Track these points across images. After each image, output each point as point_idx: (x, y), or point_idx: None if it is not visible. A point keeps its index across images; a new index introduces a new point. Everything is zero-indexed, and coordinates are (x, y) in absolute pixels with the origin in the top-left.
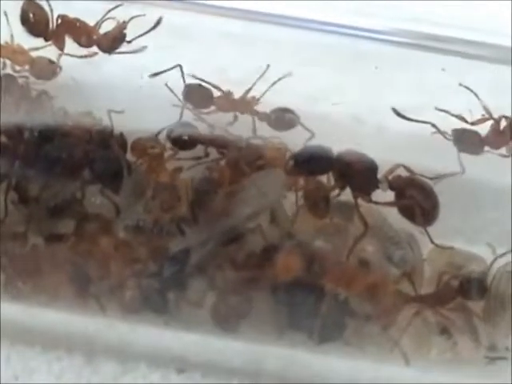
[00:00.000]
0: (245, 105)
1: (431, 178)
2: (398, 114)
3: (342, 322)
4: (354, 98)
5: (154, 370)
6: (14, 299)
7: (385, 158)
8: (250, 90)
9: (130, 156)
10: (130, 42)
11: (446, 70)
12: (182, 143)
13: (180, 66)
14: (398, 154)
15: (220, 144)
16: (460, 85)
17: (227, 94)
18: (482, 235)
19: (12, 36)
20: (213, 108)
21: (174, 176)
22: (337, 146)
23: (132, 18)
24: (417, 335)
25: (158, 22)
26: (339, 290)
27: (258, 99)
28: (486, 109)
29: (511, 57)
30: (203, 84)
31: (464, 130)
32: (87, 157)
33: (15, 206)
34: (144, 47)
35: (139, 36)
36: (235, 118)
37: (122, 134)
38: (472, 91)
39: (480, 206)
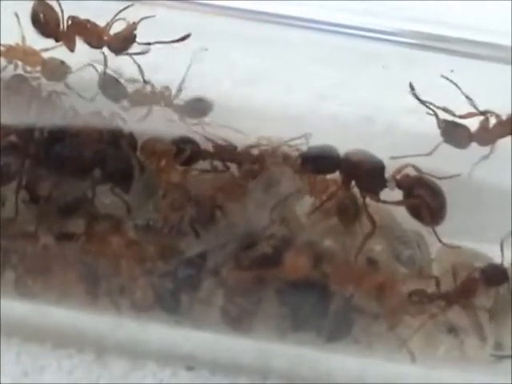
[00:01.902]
0: (158, 97)
1: (439, 178)
2: (415, 96)
3: (350, 321)
4: (363, 98)
5: (164, 368)
6: (24, 297)
7: (394, 157)
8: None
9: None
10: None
11: (454, 71)
12: (183, 160)
13: (92, 64)
14: (406, 153)
15: (224, 157)
16: (442, 76)
17: (140, 88)
18: (489, 234)
19: (23, 37)
20: (127, 103)
21: (185, 176)
22: (346, 146)
23: (142, 18)
24: (425, 334)
25: (185, 37)
26: (347, 290)
27: (178, 92)
28: (474, 106)
29: None
30: (119, 79)
31: (453, 123)
32: (97, 156)
33: (26, 204)
34: (147, 51)
35: (162, 43)
36: (149, 111)
37: (131, 134)
38: (457, 86)
39: (487, 205)
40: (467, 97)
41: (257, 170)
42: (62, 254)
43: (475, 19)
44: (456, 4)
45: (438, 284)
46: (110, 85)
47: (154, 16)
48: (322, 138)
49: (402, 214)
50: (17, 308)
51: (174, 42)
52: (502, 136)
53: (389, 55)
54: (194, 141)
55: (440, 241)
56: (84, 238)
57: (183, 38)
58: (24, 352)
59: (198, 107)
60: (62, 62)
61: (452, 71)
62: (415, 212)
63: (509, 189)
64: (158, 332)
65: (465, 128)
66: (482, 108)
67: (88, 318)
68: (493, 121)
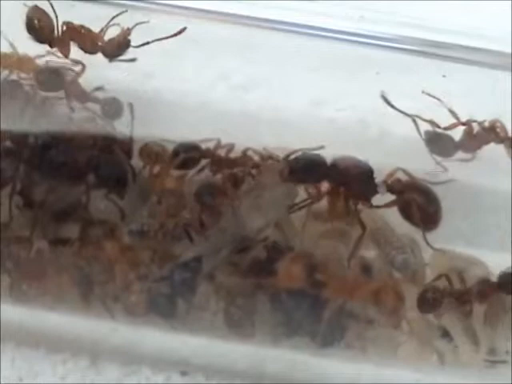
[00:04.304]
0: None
1: (432, 183)
2: (386, 101)
3: (343, 326)
4: (358, 104)
5: (158, 373)
6: (18, 302)
7: (388, 162)
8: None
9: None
10: (143, 45)
11: (446, 76)
12: (177, 165)
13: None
14: (401, 158)
15: (223, 163)
16: (423, 92)
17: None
18: (483, 239)
19: (12, 44)
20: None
21: (180, 181)
22: (341, 150)
23: (136, 24)
24: (419, 338)
25: (181, 31)
26: (342, 299)
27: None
28: (453, 113)
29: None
30: (59, 68)
31: (437, 133)
32: (92, 162)
33: (20, 210)
34: (135, 58)
35: (160, 39)
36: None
37: (127, 139)
38: (435, 97)
39: (481, 209)
40: (450, 110)
41: (240, 175)
42: (56, 259)
43: (468, 25)
44: (450, 10)
45: (449, 281)
46: (46, 75)
47: (148, 22)
48: (317, 143)
49: (395, 220)
50: (11, 313)
51: (170, 36)
52: (487, 142)
53: (383, 61)
54: (197, 147)
55: (428, 244)
56: (78, 243)
57: (179, 32)
58: (19, 357)
59: (111, 105)
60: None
61: (444, 76)
62: (407, 213)
63: (503, 193)
64: (152, 337)
65: (449, 137)
66: (473, 113)
67: (82, 323)
68: (476, 128)
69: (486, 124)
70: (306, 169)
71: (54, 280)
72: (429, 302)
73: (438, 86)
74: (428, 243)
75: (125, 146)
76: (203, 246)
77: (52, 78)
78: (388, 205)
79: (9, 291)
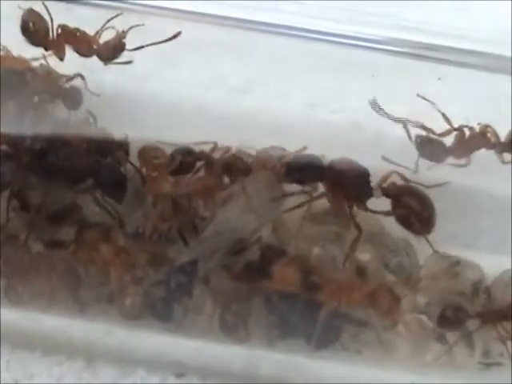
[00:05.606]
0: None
1: (427, 186)
2: (376, 107)
3: (339, 328)
4: (352, 106)
5: (153, 374)
6: (14, 304)
7: (383, 165)
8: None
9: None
10: (137, 48)
11: (442, 80)
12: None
13: None
14: (396, 161)
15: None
16: (418, 95)
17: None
18: (477, 242)
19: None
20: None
21: (176, 185)
22: (335, 153)
23: (131, 27)
24: (414, 340)
25: (176, 35)
26: (337, 302)
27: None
28: (446, 118)
29: (511, 66)
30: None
31: (428, 138)
32: (88, 165)
33: (16, 212)
34: (131, 61)
35: (154, 44)
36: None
37: (126, 142)
38: (429, 100)
39: (476, 212)
40: (443, 114)
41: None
42: (51, 261)
43: (465, 27)
44: (446, 13)
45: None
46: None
47: (143, 25)
48: (311, 145)
49: (390, 222)
50: (7, 315)
51: (165, 41)
52: (478, 148)
53: (378, 63)
54: (194, 152)
55: (433, 249)
56: (74, 245)
57: (174, 37)
58: (14, 359)
59: (72, 95)
60: (51, 71)
61: (439, 79)
62: (405, 222)
63: (497, 196)
64: (148, 339)
65: (440, 142)
66: (469, 117)
67: (78, 326)
68: (467, 134)
69: (477, 129)
70: (303, 169)
71: (50, 282)
72: (450, 320)
73: (434, 89)
74: (433, 248)
75: (122, 148)
76: (197, 248)
77: (14, 80)
78: (385, 213)
79: (4, 293)
